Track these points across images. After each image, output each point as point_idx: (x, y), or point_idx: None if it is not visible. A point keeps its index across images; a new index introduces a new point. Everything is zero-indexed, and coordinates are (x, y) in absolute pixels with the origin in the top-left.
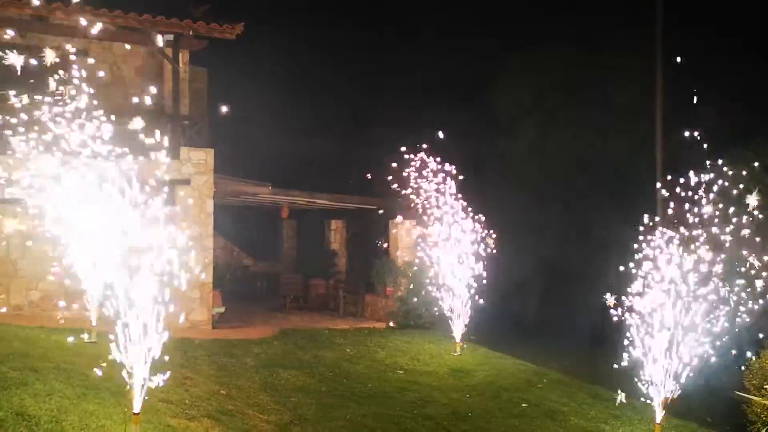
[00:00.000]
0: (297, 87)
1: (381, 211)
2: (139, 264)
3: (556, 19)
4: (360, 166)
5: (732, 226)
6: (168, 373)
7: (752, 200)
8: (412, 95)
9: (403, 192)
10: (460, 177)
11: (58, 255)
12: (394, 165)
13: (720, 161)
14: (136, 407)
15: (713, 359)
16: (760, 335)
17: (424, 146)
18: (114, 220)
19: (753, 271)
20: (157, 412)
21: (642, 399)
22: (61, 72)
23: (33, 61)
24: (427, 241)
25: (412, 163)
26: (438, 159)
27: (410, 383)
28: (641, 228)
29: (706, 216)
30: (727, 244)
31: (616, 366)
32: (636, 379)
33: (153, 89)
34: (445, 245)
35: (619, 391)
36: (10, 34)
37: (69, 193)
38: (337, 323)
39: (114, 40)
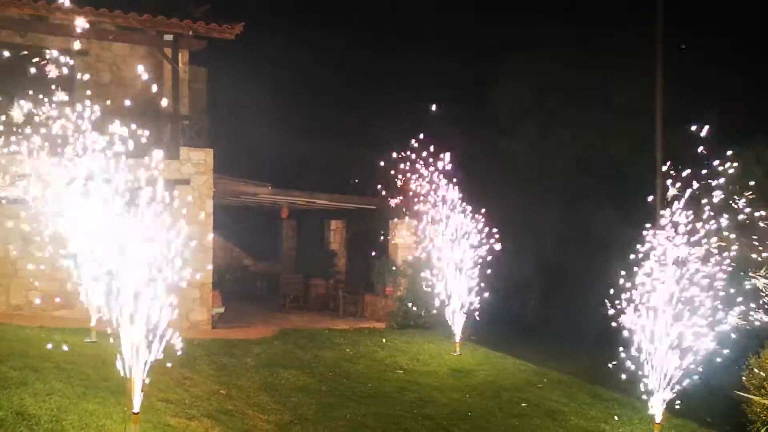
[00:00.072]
0: (297, 87)
1: (381, 210)
2: (139, 264)
3: (556, 19)
4: (360, 167)
5: (725, 225)
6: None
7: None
8: (411, 95)
9: (403, 191)
10: (460, 177)
11: (58, 255)
12: (394, 165)
13: (719, 161)
14: (136, 407)
15: (713, 359)
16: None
17: (424, 146)
18: (114, 220)
19: (754, 270)
20: (156, 411)
21: (642, 399)
22: (60, 72)
23: (33, 61)
24: (427, 240)
25: (412, 163)
26: (438, 159)
27: (410, 383)
28: (647, 228)
29: (705, 215)
30: (727, 243)
31: (616, 365)
32: (636, 379)
33: (153, 88)
34: (445, 245)
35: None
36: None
37: (69, 192)
38: (337, 323)
39: (114, 40)
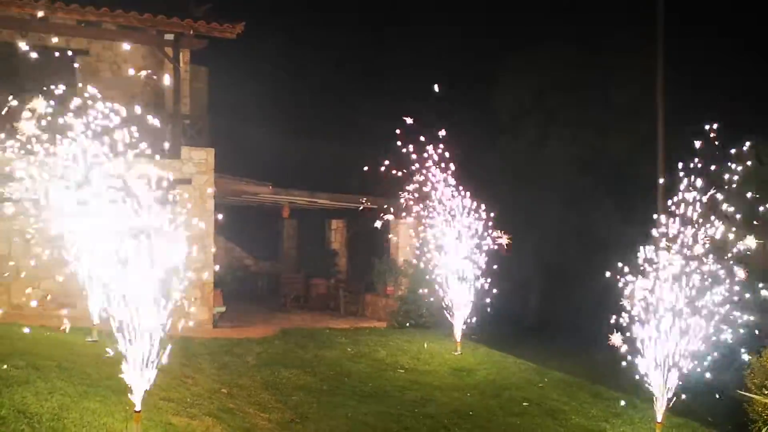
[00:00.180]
0: (297, 86)
1: (381, 210)
2: (140, 263)
3: (556, 19)
4: (360, 166)
5: (724, 224)
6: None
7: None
8: (412, 95)
9: (404, 190)
10: (461, 176)
11: (59, 254)
12: (395, 164)
13: (718, 162)
14: (138, 405)
15: (714, 358)
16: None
17: (424, 145)
18: (115, 220)
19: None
20: (158, 410)
21: (643, 398)
22: (61, 71)
23: (33, 60)
24: (428, 239)
25: (413, 162)
26: (438, 158)
27: (411, 382)
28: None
29: (706, 214)
30: (730, 242)
31: (617, 365)
32: (637, 378)
33: (154, 88)
34: (446, 244)
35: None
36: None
37: (70, 192)
38: (338, 322)
39: (115, 40)
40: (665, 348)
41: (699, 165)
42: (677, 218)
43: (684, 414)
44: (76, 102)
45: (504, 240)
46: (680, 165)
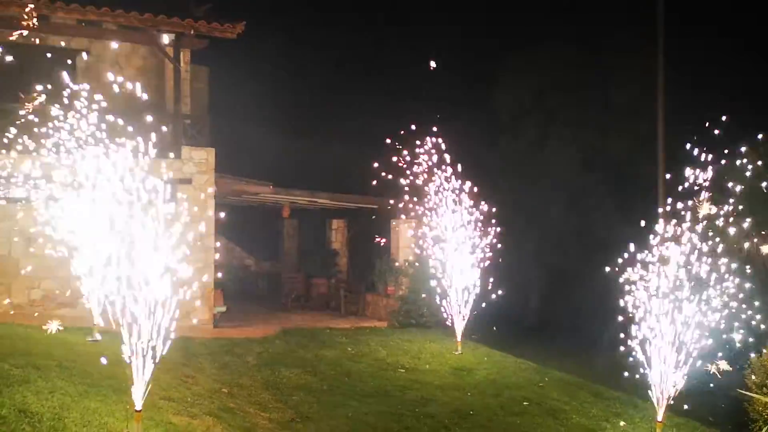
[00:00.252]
0: (298, 86)
1: (382, 210)
2: (141, 263)
3: (556, 19)
4: (361, 165)
5: (721, 222)
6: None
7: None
8: (412, 95)
9: (405, 190)
10: (461, 176)
11: (60, 254)
12: (396, 164)
13: (721, 161)
14: (138, 405)
15: (715, 357)
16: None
17: (425, 145)
18: (116, 219)
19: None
20: (159, 409)
21: (643, 397)
22: (62, 71)
23: (34, 60)
24: (428, 239)
25: (414, 162)
26: (439, 158)
27: (412, 382)
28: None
29: (708, 213)
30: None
31: (617, 364)
32: (637, 377)
33: (155, 88)
34: (446, 243)
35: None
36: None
37: (71, 192)
38: (339, 322)
39: (115, 40)
40: (666, 347)
41: (700, 164)
42: (677, 218)
43: (684, 413)
44: (76, 102)
45: (498, 230)
46: (680, 165)
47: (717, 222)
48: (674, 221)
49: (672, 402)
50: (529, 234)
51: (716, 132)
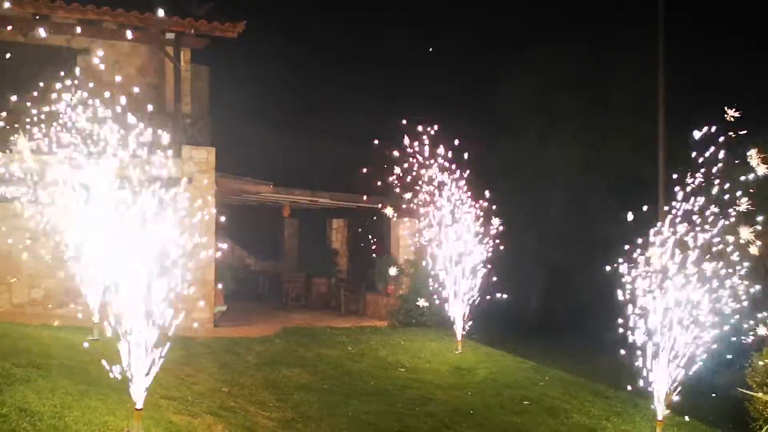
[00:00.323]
0: (298, 85)
1: (383, 208)
2: (141, 262)
3: (559, 18)
4: (362, 165)
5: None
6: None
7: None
8: (414, 94)
9: (406, 190)
10: (463, 175)
11: (60, 253)
12: (396, 163)
13: (719, 162)
14: (139, 403)
15: (715, 357)
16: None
17: (426, 144)
18: (116, 219)
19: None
20: (159, 408)
21: (644, 396)
22: (62, 70)
23: (34, 60)
24: (429, 239)
25: (415, 161)
26: (441, 157)
27: (412, 381)
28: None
29: (711, 213)
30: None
31: (617, 364)
32: (638, 376)
33: (155, 87)
34: (447, 243)
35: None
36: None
37: (72, 191)
38: (339, 322)
39: (116, 39)
40: (666, 346)
41: (701, 163)
42: (680, 217)
43: (685, 412)
44: (76, 101)
45: (498, 229)
46: (682, 164)
47: (724, 222)
48: (678, 219)
49: (672, 401)
50: (529, 233)
51: (716, 132)
